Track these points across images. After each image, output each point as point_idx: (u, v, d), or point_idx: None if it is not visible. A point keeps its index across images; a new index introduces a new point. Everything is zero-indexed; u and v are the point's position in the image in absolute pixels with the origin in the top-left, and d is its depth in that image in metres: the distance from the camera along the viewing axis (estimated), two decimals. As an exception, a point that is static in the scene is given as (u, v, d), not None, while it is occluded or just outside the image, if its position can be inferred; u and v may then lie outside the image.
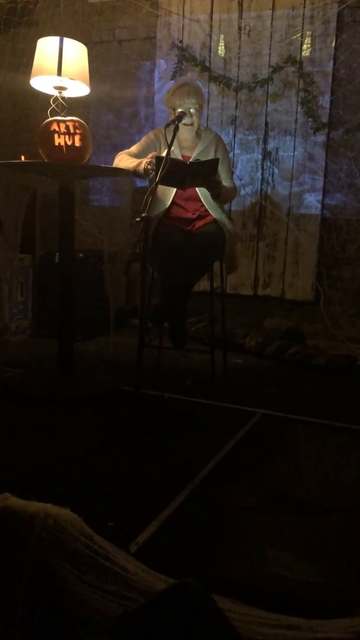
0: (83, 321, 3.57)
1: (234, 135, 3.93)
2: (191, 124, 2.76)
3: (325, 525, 1.61)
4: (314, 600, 1.28)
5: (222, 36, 3.84)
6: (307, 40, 3.68)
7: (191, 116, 2.73)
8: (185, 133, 2.77)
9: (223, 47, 3.85)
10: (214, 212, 2.78)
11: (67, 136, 2.49)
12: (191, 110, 2.72)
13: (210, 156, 2.82)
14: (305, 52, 3.69)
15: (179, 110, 2.68)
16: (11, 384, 2.78)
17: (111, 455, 2.04)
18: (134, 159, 2.73)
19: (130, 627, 0.96)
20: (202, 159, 2.78)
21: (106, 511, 1.60)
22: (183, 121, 2.65)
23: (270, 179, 3.91)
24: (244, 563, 1.41)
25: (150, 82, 4.18)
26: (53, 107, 2.61)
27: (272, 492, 1.81)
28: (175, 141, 2.57)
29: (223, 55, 3.86)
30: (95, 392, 2.68)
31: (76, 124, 2.51)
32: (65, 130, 2.49)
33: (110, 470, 1.91)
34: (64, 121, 2.51)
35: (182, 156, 2.82)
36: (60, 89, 2.60)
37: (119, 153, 2.85)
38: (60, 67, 2.49)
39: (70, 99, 2.67)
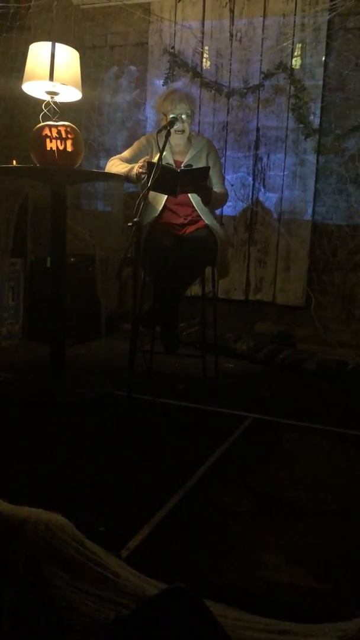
0: (74, 325, 3.56)
1: (225, 141, 3.95)
2: (182, 131, 2.77)
3: (316, 529, 1.62)
4: (305, 604, 1.29)
5: (207, 47, 3.86)
6: (298, 47, 3.71)
7: (182, 122, 2.75)
8: (176, 139, 2.78)
9: (208, 60, 3.87)
10: (206, 217, 2.79)
11: (58, 141, 2.50)
12: (182, 116, 2.73)
13: (202, 161, 2.83)
14: (296, 59, 3.72)
15: (171, 115, 2.69)
16: (1, 388, 2.76)
17: (102, 459, 2.04)
18: (126, 164, 2.74)
19: (122, 633, 0.96)
20: (194, 164, 2.79)
21: (97, 516, 1.60)
22: (174, 127, 2.66)
23: (261, 184, 3.93)
24: (235, 568, 1.41)
25: (142, 87, 4.19)
26: (45, 112, 2.61)
27: (263, 496, 1.82)
28: (167, 146, 2.58)
29: (208, 66, 3.89)
30: (86, 397, 2.67)
31: (68, 129, 2.52)
32: (57, 135, 2.49)
33: (101, 475, 1.91)
34: (56, 126, 2.51)
35: (174, 161, 2.83)
36: (52, 94, 2.60)
37: (111, 158, 2.86)
38: (52, 72, 2.50)
39: (62, 103, 2.67)
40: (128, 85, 4.22)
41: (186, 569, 1.40)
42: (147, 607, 0.98)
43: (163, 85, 3.98)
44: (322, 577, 1.39)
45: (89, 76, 4.07)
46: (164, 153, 2.46)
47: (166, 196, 2.76)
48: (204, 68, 3.93)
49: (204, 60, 3.91)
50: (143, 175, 2.59)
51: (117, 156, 2.85)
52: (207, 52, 3.90)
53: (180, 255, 2.63)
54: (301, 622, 1.16)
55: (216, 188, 2.84)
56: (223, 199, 2.95)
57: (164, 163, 2.47)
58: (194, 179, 2.59)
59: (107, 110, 4.29)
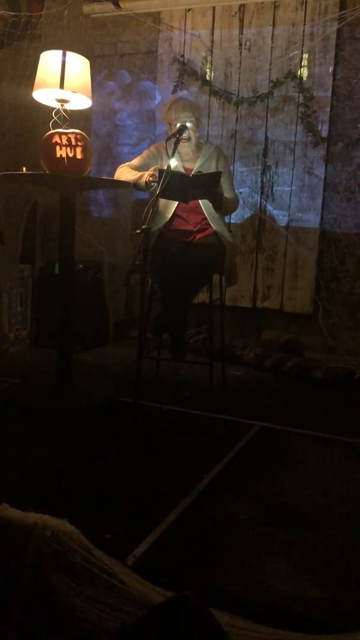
0: (82, 332, 3.58)
1: (234, 149, 3.96)
2: (189, 138, 2.77)
3: (323, 539, 1.61)
4: (311, 614, 1.28)
5: (216, 56, 3.88)
6: (307, 56, 3.72)
7: (188, 130, 2.75)
8: (185, 147, 2.79)
9: (217, 69, 3.89)
10: (215, 224, 2.80)
11: (68, 148, 2.52)
12: (187, 124, 2.74)
13: (212, 168, 2.84)
14: (305, 68, 3.73)
15: (178, 124, 2.71)
16: (9, 394, 2.77)
17: (109, 466, 2.04)
18: (136, 172, 2.75)
19: (127, 641, 0.96)
20: (204, 171, 2.80)
21: (103, 523, 1.60)
22: (183, 135, 2.67)
23: (269, 192, 3.93)
24: (241, 576, 1.41)
25: (152, 95, 4.22)
26: (55, 120, 2.63)
27: (269, 505, 1.81)
28: (176, 154, 2.60)
29: (217, 74, 3.90)
30: (93, 403, 2.68)
31: (78, 137, 2.54)
32: (67, 143, 2.51)
33: (107, 482, 1.91)
34: (66, 133, 2.53)
35: (184, 169, 2.84)
36: (63, 101, 2.63)
37: (121, 166, 2.87)
38: (62, 80, 2.52)
39: (72, 111, 2.70)
40: (138, 93, 4.24)
41: (192, 577, 1.39)
42: (153, 615, 0.98)
43: (172, 93, 4.01)
44: (328, 587, 1.38)
45: (99, 84, 4.11)
46: (175, 162, 2.48)
47: (176, 203, 2.76)
48: (213, 77, 3.95)
49: (213, 68, 3.93)
50: (152, 183, 2.60)
51: (127, 164, 2.87)
52: (216, 60, 3.92)
53: (188, 263, 2.64)
54: (307, 632, 1.16)
55: (226, 194, 2.85)
56: (234, 204, 2.96)
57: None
58: (205, 184, 2.60)
59: (117, 118, 4.32)
